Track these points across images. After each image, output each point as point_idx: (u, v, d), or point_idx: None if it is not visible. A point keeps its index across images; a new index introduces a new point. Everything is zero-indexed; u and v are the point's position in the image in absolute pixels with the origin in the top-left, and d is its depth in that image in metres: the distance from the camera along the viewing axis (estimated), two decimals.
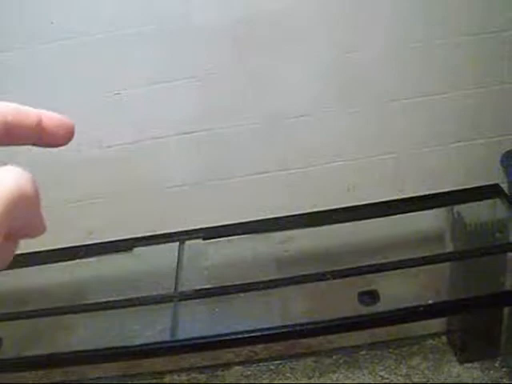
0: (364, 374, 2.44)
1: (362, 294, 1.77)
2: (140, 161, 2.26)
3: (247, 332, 1.72)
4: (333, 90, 2.08)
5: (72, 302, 2.17)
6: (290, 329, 1.72)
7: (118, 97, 2.08)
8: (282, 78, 2.06)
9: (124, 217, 2.32)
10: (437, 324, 2.57)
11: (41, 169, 2.23)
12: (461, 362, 2.43)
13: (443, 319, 2.54)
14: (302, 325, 1.72)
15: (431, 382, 2.36)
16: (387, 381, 2.39)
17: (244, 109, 2.10)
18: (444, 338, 2.55)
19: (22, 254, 2.23)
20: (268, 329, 1.72)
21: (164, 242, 2.16)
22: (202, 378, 2.58)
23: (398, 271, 1.96)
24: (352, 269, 1.92)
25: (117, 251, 2.24)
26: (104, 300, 2.06)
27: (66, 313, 2.12)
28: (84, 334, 2.15)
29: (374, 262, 1.95)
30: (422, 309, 1.69)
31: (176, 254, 2.08)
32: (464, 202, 2.17)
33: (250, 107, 2.10)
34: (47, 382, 2.68)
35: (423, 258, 1.98)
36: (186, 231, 2.16)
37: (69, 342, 2.26)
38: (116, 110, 2.11)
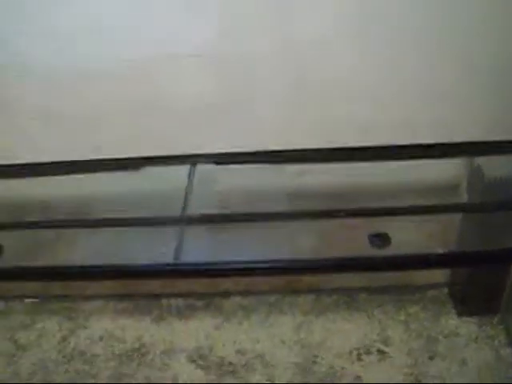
0: (362, 317, 2.43)
1: (372, 236, 1.73)
2: (156, 79, 2.20)
3: (251, 262, 1.69)
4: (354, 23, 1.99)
5: (76, 216, 2.14)
6: (296, 264, 1.69)
7: (137, 12, 2.00)
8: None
9: (135, 135, 2.27)
10: (440, 275, 2.55)
11: (54, 80, 2.18)
12: (459, 315, 2.42)
13: (446, 270, 2.52)
14: (308, 261, 1.69)
15: (428, 331, 2.35)
16: (385, 325, 2.39)
17: (264, 32, 2.02)
18: (445, 290, 2.54)
19: (28, 164, 2.21)
20: (273, 261, 1.69)
21: (175, 164, 2.12)
22: (200, 304, 2.58)
23: (411, 217, 1.92)
24: (364, 209, 1.87)
25: (125, 169, 2.20)
26: (108, 217, 2.03)
27: (69, 226, 2.10)
28: (86, 249, 2.14)
29: (387, 205, 1.90)
30: (432, 257, 1.65)
31: (186, 177, 2.04)
32: (484, 154, 2.12)
33: (270, 30, 2.02)
34: (44, 295, 2.71)
35: (437, 206, 1.94)
36: (198, 154, 2.11)
37: (70, 256, 2.25)
38: (135, 25, 2.03)
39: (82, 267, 1.78)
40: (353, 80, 2.13)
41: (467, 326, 2.38)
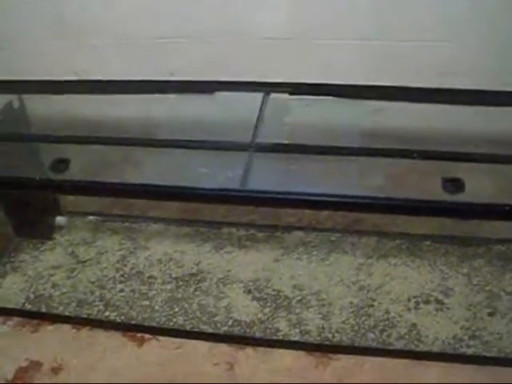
0: (424, 265, 2.38)
1: (446, 181, 1.67)
2: (235, 5, 2.16)
3: (317, 195, 1.66)
4: None
5: (145, 136, 2.13)
6: (363, 201, 1.65)
7: None
8: None
9: (210, 60, 2.24)
10: (509, 230, 2.47)
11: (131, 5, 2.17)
12: None
13: None
14: (376, 199, 1.64)
15: (490, 286, 2.29)
16: (446, 275, 2.34)
17: None
18: None
19: (100, 81, 2.21)
20: (339, 196, 1.65)
21: (248, 91, 2.08)
22: (261, 236, 2.58)
23: (488, 165, 1.85)
24: (440, 152, 1.81)
25: (198, 92, 2.17)
26: (177, 138, 2.01)
27: (137, 145, 2.09)
28: (152, 170, 2.13)
29: (463, 151, 1.83)
30: (506, 209, 1.58)
31: (259, 104, 2.00)
32: None
33: None
34: (107, 213, 2.74)
35: None
36: (273, 83, 2.07)
37: (136, 175, 2.26)
38: None
39: (146, 185, 1.78)
40: (436, 20, 2.05)
41: None
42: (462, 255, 2.43)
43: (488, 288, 2.29)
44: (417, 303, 2.24)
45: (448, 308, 2.22)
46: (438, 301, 2.25)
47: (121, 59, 2.33)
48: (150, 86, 2.19)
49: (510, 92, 2.00)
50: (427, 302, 2.25)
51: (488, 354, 2.06)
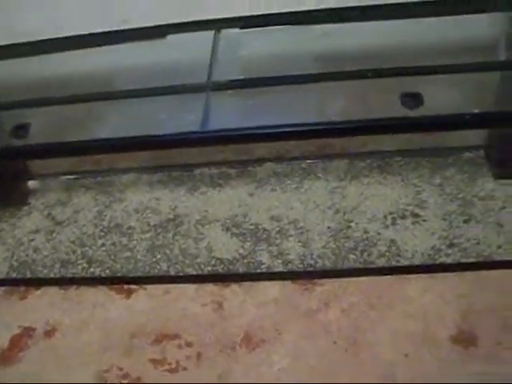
0: (397, 181, 2.40)
1: (404, 96, 1.67)
2: None
3: (280, 126, 1.66)
4: None
5: (102, 89, 2.10)
6: (326, 126, 1.65)
7: None
8: None
9: (160, 3, 2.20)
10: (476, 136, 2.49)
11: None
12: (496, 178, 2.37)
13: (483, 132, 2.46)
14: (338, 123, 1.65)
15: (463, 194, 2.32)
16: (419, 189, 2.36)
17: None
18: (482, 152, 2.49)
19: (52, 39, 2.16)
20: (302, 125, 1.65)
21: (199, 30, 2.05)
22: (233, 172, 2.58)
23: (445, 76, 1.85)
24: (395, 68, 1.81)
25: (149, 38, 2.14)
26: (134, 88, 1.99)
27: (95, 100, 2.07)
28: (113, 122, 2.11)
29: (418, 64, 1.83)
30: (468, 117, 1.59)
31: (211, 42, 1.98)
32: None
33: None
34: (78, 171, 2.73)
35: (473, 64, 1.86)
36: (222, 19, 2.04)
37: (98, 130, 2.23)
38: None
39: (110, 140, 1.78)
40: None
41: (503, 189, 2.32)
42: (433, 167, 2.45)
43: (461, 195, 2.32)
44: (393, 219, 2.27)
45: (424, 220, 2.25)
46: (413, 214, 2.28)
47: (68, 10, 2.28)
48: (100, 37, 2.16)
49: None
50: (403, 217, 2.28)
51: (467, 260, 2.10)
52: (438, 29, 2.07)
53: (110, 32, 2.18)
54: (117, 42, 2.18)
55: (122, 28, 2.20)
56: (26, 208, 2.64)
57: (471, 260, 2.10)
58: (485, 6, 2.02)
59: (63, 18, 2.24)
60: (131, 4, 2.20)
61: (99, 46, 2.16)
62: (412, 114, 1.64)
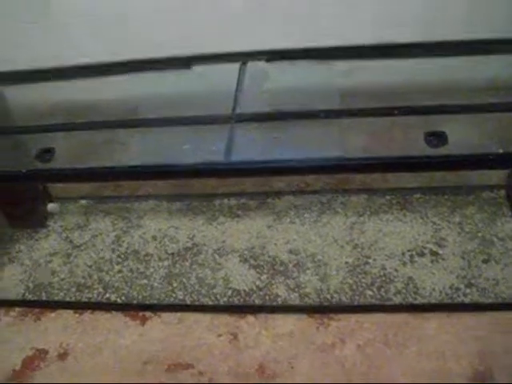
0: (416, 218, 2.40)
1: (428, 135, 1.67)
2: None
3: (302, 161, 1.66)
4: None
5: (126, 117, 2.12)
6: (349, 162, 1.65)
7: None
8: None
9: (186, 33, 2.23)
10: (497, 176, 2.49)
11: None
12: None
13: (504, 172, 2.46)
14: (361, 159, 1.65)
15: (483, 233, 2.31)
16: (438, 227, 2.36)
17: None
18: (502, 192, 2.48)
19: (78, 66, 2.19)
20: (325, 159, 1.66)
21: (225, 62, 2.07)
22: (252, 204, 2.59)
23: (469, 115, 1.85)
24: (420, 107, 1.81)
25: (175, 68, 2.17)
26: (159, 117, 2.01)
27: (120, 127, 2.09)
28: (137, 149, 2.12)
29: (443, 103, 1.83)
30: (491, 157, 1.59)
31: (237, 74, 1.99)
32: None
33: None
34: (98, 196, 2.75)
35: (496, 104, 1.86)
36: (248, 52, 2.06)
37: (121, 157, 2.24)
38: None
39: (133, 167, 1.78)
40: None
41: None
42: (452, 205, 2.45)
43: (481, 235, 2.31)
44: (412, 256, 2.27)
45: (443, 258, 2.24)
46: (432, 252, 2.27)
47: (94, 40, 2.31)
48: (126, 65, 2.18)
49: (478, 41, 2.00)
50: (422, 255, 2.27)
51: (486, 301, 2.09)
52: (463, 68, 2.08)
53: (136, 60, 2.21)
54: (143, 70, 2.20)
55: (148, 57, 2.23)
56: (44, 230, 2.66)
57: (490, 301, 2.08)
58: (507, 47, 2.02)
59: (91, 45, 2.28)
60: (158, 33, 2.22)
61: (126, 73, 2.18)
62: (436, 152, 1.64)
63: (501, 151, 1.61)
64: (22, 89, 2.35)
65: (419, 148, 1.64)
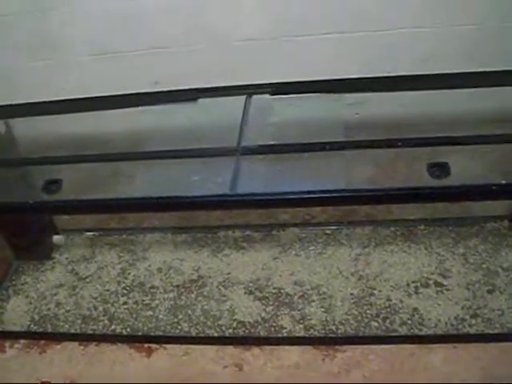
0: (420, 249, 2.41)
1: (431, 166, 1.69)
2: (210, 11, 2.17)
3: (307, 193, 1.68)
4: None
5: (133, 149, 2.15)
6: (353, 194, 1.67)
7: None
8: None
9: (191, 67, 2.26)
10: (500, 207, 2.50)
11: (114, 15, 2.18)
12: None
13: (507, 202, 2.47)
14: (366, 191, 1.66)
15: (487, 264, 2.32)
16: (443, 258, 2.36)
17: None
18: (506, 222, 2.49)
19: (86, 99, 2.22)
20: (329, 191, 1.67)
21: (230, 95, 2.10)
22: (257, 236, 2.60)
23: (471, 147, 1.87)
24: (423, 139, 1.83)
25: (181, 101, 2.19)
26: (165, 149, 2.03)
27: (126, 159, 2.11)
28: (143, 182, 2.15)
29: (446, 135, 1.85)
30: (494, 188, 1.61)
31: (242, 107, 2.02)
32: None
33: None
34: (103, 228, 2.76)
35: (498, 135, 1.88)
36: (253, 85, 2.09)
37: (128, 189, 2.27)
38: None
39: (139, 199, 1.80)
40: (412, 6, 2.07)
41: None
42: (456, 236, 2.46)
43: (485, 266, 2.32)
44: (416, 288, 2.27)
45: (447, 289, 2.25)
46: (437, 283, 2.27)
47: (102, 74, 2.35)
48: (133, 98, 2.21)
49: (482, 72, 2.02)
50: (427, 286, 2.27)
51: (491, 331, 2.08)
52: (465, 100, 2.11)
53: (142, 93, 2.23)
54: (149, 104, 2.23)
55: (154, 90, 2.26)
56: (50, 262, 2.67)
57: (495, 331, 2.08)
58: (509, 79, 2.05)
59: (97, 78, 2.31)
60: (165, 67, 2.26)
61: (132, 106, 2.21)
62: (439, 183, 1.65)
63: (503, 182, 1.63)
64: (29, 121, 2.37)
65: (422, 179, 1.66)
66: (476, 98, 2.10)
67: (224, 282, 2.41)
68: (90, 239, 2.76)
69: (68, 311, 2.40)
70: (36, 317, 2.40)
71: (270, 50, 2.20)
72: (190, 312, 2.31)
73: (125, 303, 2.39)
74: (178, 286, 2.43)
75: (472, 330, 2.09)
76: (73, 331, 2.32)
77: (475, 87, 2.04)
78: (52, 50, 2.32)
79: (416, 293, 2.25)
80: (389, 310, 2.20)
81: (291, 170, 1.90)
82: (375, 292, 2.27)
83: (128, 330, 2.29)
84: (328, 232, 2.56)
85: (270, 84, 2.09)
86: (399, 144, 1.80)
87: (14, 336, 2.35)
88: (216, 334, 2.22)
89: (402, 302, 2.22)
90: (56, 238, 2.73)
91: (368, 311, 2.20)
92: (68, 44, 2.32)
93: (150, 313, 2.33)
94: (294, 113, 2.15)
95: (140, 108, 2.22)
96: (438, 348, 2.07)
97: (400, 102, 2.14)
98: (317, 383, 1.99)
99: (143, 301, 2.39)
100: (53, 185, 1.98)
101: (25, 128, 2.40)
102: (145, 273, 2.52)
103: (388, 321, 2.16)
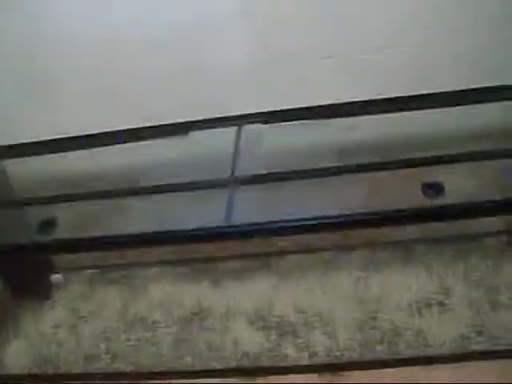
0: (420, 269, 2.40)
1: (425, 186, 1.69)
2: (198, 42, 2.18)
3: (303, 220, 1.68)
4: None
5: (127, 185, 2.15)
6: (349, 219, 1.67)
7: None
8: None
9: (182, 100, 2.26)
10: (498, 222, 2.49)
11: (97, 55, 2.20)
12: None
13: (505, 218, 2.46)
14: (361, 215, 1.66)
15: (488, 281, 2.31)
16: (443, 276, 2.35)
17: None
18: (504, 237, 2.48)
19: (79, 137, 2.22)
20: (325, 218, 1.67)
21: (222, 126, 2.10)
22: (256, 265, 2.59)
23: (465, 164, 1.87)
24: (416, 159, 1.83)
25: (173, 134, 2.19)
26: (159, 183, 2.03)
27: (121, 195, 2.11)
28: (139, 217, 2.15)
29: (438, 154, 1.86)
30: (489, 204, 1.61)
31: (234, 138, 2.02)
32: None
33: None
34: (102, 265, 2.75)
35: (490, 151, 1.89)
36: (244, 115, 2.09)
37: (124, 225, 2.26)
38: None
39: (136, 235, 1.80)
40: (398, 30, 2.09)
41: None
42: (455, 254, 2.45)
43: (487, 283, 2.31)
44: (419, 308, 2.26)
45: (450, 308, 2.24)
46: (439, 303, 2.26)
47: (92, 111, 2.35)
48: (124, 135, 2.21)
49: (471, 89, 2.03)
50: (429, 306, 2.26)
51: (497, 348, 2.07)
52: (458, 117, 2.12)
53: (132, 129, 2.23)
54: (138, 139, 2.23)
55: (145, 125, 2.26)
56: (49, 302, 2.65)
57: (501, 348, 2.07)
58: (498, 95, 2.05)
59: (89, 115, 2.31)
60: (155, 102, 2.26)
61: (124, 142, 2.21)
62: (434, 203, 1.65)
63: (498, 198, 1.63)
64: (21, 162, 2.37)
65: (417, 200, 1.66)
66: (463, 115, 2.11)
67: (226, 313, 2.40)
68: (89, 277, 2.74)
69: (69, 351, 2.38)
70: (37, 359, 2.38)
71: (258, 79, 2.20)
72: (192, 345, 2.30)
73: (127, 340, 2.38)
74: (179, 320, 2.41)
75: (477, 348, 2.08)
76: (75, 371, 2.30)
77: (465, 104, 2.05)
78: (39, 90, 2.32)
79: (419, 313, 2.24)
80: (393, 332, 2.19)
81: (286, 197, 1.91)
82: (378, 315, 2.26)
83: (131, 366, 2.27)
84: (327, 257, 2.55)
85: (261, 113, 2.09)
86: (392, 166, 1.80)
87: (15, 379, 2.33)
88: (220, 366, 2.20)
89: (405, 323, 2.21)
90: (55, 277, 2.71)
91: (372, 335, 2.19)
92: (57, 81, 2.32)
93: (153, 348, 2.32)
94: (286, 140, 2.15)
95: (131, 144, 2.22)
96: (445, 368, 2.05)
97: (391, 124, 2.14)
98: None
99: (145, 336, 2.37)
100: (49, 224, 1.98)
101: (18, 168, 2.40)
102: (146, 307, 2.50)
103: (392, 343, 2.15)
